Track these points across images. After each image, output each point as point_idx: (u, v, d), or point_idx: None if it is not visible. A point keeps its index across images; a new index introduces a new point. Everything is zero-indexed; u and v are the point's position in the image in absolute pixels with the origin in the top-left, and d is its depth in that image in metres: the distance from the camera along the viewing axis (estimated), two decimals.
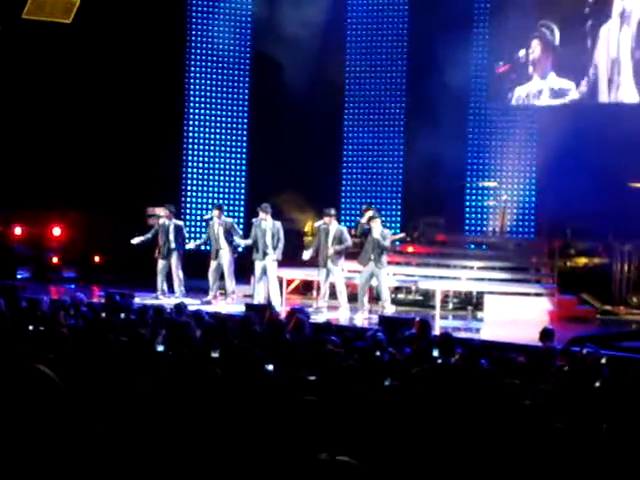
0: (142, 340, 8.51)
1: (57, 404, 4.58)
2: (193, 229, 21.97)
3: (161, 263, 17.02)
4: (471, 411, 5.47)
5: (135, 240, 17.13)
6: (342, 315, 15.63)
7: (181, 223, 17.54)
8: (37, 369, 4.76)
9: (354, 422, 5.23)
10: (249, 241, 16.62)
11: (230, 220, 17.39)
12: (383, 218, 17.71)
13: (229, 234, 16.78)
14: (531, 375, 7.87)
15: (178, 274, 17.00)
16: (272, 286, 16.27)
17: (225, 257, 16.74)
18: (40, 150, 20.64)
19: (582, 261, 18.96)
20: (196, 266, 17.72)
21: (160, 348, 8.92)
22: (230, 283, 16.80)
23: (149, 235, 17.19)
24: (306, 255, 16.31)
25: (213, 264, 16.80)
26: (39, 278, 19.32)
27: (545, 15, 20.60)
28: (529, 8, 20.60)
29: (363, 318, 15.38)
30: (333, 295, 16.20)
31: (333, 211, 16.35)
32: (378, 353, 8.86)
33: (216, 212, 17.01)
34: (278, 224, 16.43)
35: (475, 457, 4.76)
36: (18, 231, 20.35)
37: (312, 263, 16.63)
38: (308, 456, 4.15)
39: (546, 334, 10.59)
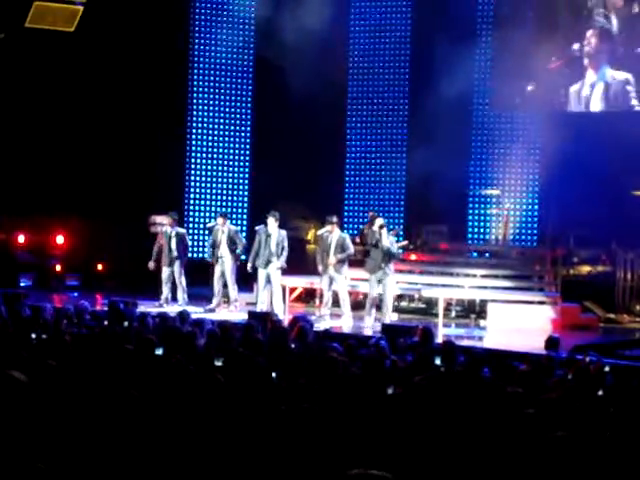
0: (146, 348, 8.51)
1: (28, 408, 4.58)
2: (196, 237, 21.98)
3: (165, 271, 17.01)
4: (474, 420, 5.46)
5: (151, 265, 17.08)
6: (345, 323, 15.61)
7: (183, 231, 17.53)
8: (9, 375, 4.76)
9: (357, 430, 5.22)
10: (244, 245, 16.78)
11: (234, 228, 17.41)
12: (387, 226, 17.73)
13: (232, 242, 16.79)
14: (534, 383, 7.85)
15: (181, 282, 17.00)
16: (275, 294, 16.25)
17: (227, 265, 16.74)
18: (43, 158, 20.65)
19: (585, 269, 18.94)
20: (199, 274, 17.71)
21: (159, 352, 8.91)
22: (233, 291, 16.81)
23: (155, 249, 17.15)
24: (319, 267, 16.29)
25: (217, 271, 16.80)
26: (42, 286, 19.31)
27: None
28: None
29: (371, 326, 15.32)
30: (336, 303, 16.18)
31: (335, 218, 16.34)
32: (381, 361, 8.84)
33: (220, 220, 17.02)
34: (284, 233, 16.43)
35: (478, 465, 4.75)
36: (21, 239, 20.35)
37: (315, 271, 16.62)
38: (313, 464, 4.15)
39: (551, 342, 10.57)
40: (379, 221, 16.06)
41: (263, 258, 16.29)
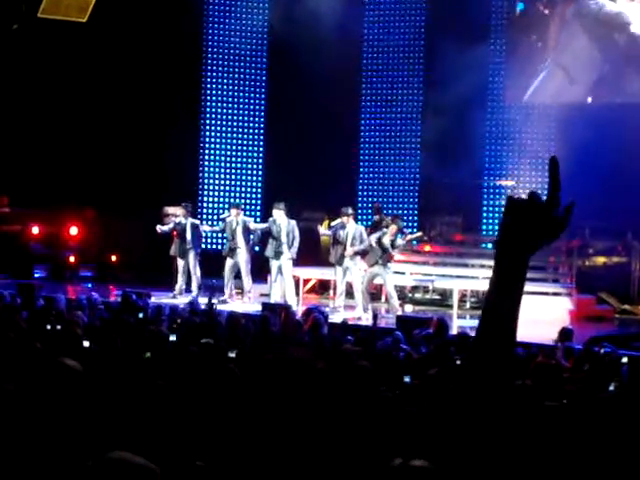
0: (160, 339, 8.48)
1: (82, 396, 4.55)
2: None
3: (181, 262, 17.00)
4: (490, 412, 5.40)
5: (159, 228, 17.14)
6: (359, 315, 15.53)
7: (197, 222, 17.51)
8: (62, 363, 4.73)
9: (374, 421, 5.17)
10: (264, 225, 16.72)
11: (249, 219, 17.38)
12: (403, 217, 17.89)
13: (247, 233, 16.76)
14: (550, 375, 7.78)
15: (196, 273, 17.00)
16: (288, 285, 16.22)
17: (242, 256, 16.71)
18: (57, 149, 20.65)
19: (600, 260, 18.84)
20: (212, 265, 17.68)
21: (173, 338, 8.88)
22: (247, 282, 16.78)
23: (166, 229, 17.24)
24: (333, 258, 16.26)
25: (229, 262, 16.77)
26: (56, 277, 19.34)
27: None
28: None
29: (367, 318, 15.22)
30: (350, 295, 16.13)
31: (351, 210, 16.28)
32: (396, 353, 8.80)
33: (234, 211, 16.98)
34: (293, 222, 16.37)
35: (496, 458, 4.69)
36: (35, 230, 20.36)
37: (328, 262, 16.58)
38: (328, 457, 4.10)
39: (565, 334, 10.53)
40: (398, 224, 16.03)
41: (272, 249, 16.26)
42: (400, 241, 15.87)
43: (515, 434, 4.85)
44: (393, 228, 15.85)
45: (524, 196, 2.57)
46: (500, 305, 2.50)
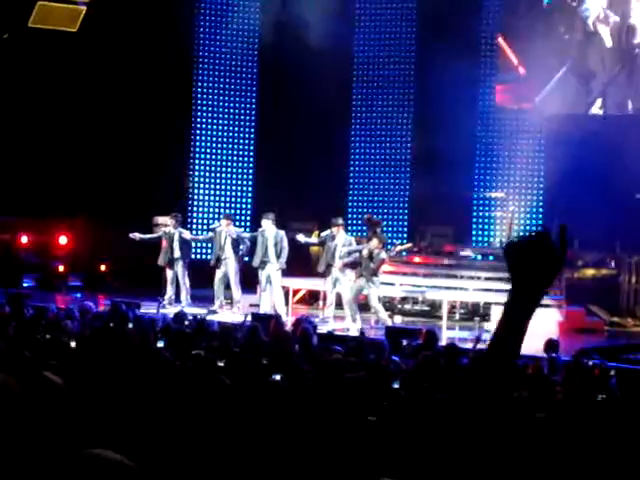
0: (149, 350, 8.46)
1: (63, 410, 4.53)
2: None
3: (170, 272, 16.99)
4: (482, 423, 5.40)
5: (136, 235, 17.11)
6: (348, 325, 15.50)
7: (186, 232, 17.47)
8: (44, 376, 4.71)
9: (362, 432, 5.17)
10: (251, 235, 16.72)
11: (239, 229, 17.36)
12: (390, 227, 17.74)
13: (237, 243, 16.73)
14: (540, 387, 7.80)
15: (185, 283, 16.97)
16: (276, 296, 16.18)
17: (231, 266, 16.69)
18: (47, 158, 20.60)
19: (590, 272, 18.84)
20: (202, 275, 17.65)
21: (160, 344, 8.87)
22: (236, 292, 16.75)
23: (154, 236, 17.22)
24: (320, 267, 16.22)
25: (219, 273, 16.75)
26: (45, 286, 19.26)
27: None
28: None
29: (357, 328, 15.16)
30: (339, 305, 16.11)
31: (341, 220, 16.29)
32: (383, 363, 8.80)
33: (225, 221, 16.98)
34: (282, 233, 16.34)
35: (487, 469, 4.69)
36: (24, 239, 20.32)
37: (318, 272, 16.57)
38: (319, 467, 4.10)
39: (550, 345, 10.52)
40: (380, 237, 15.87)
41: (257, 258, 16.25)
42: (383, 254, 15.66)
43: (510, 445, 4.85)
44: (374, 242, 15.71)
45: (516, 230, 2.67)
46: (508, 339, 2.61)
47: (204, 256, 21.18)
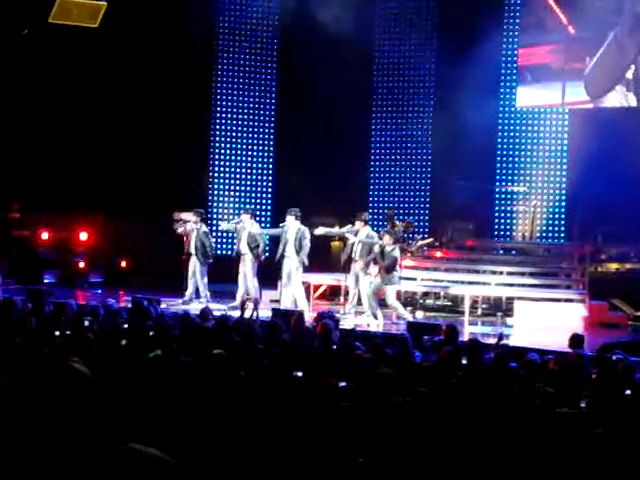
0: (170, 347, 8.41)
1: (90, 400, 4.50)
2: (219, 234, 21.87)
3: (190, 268, 16.94)
4: (506, 418, 5.33)
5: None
6: (366, 321, 15.39)
7: (207, 229, 17.36)
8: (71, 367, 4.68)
9: (385, 428, 5.09)
10: (274, 230, 16.71)
11: (257, 226, 17.26)
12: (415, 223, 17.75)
13: (253, 240, 16.67)
14: (563, 382, 7.71)
15: (203, 279, 16.89)
16: (296, 291, 16.06)
17: (247, 262, 16.64)
18: (67, 154, 20.62)
19: (613, 266, 18.67)
20: (222, 271, 17.61)
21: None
22: (252, 288, 16.64)
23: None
24: (342, 261, 16.13)
25: (241, 268, 16.72)
26: (65, 283, 19.28)
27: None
28: None
29: (377, 324, 15.09)
30: (361, 301, 16.01)
31: (365, 215, 16.09)
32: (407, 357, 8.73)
33: (245, 217, 16.93)
34: (304, 229, 16.21)
35: (511, 463, 4.62)
36: (45, 236, 20.33)
37: (339, 268, 16.48)
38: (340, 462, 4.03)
39: (576, 340, 10.41)
40: (391, 234, 15.75)
41: (278, 254, 16.17)
42: (396, 252, 15.53)
43: (536, 440, 4.78)
44: (385, 238, 15.60)
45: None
46: None
47: (224, 252, 21.17)
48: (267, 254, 17.34)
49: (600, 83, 20.11)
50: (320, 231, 16.58)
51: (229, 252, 19.66)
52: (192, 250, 16.90)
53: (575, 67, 20.49)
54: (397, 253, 15.50)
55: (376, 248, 15.38)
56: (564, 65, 20.62)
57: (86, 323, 10.69)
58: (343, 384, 6.96)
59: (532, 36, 21.10)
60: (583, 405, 6.75)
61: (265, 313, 14.61)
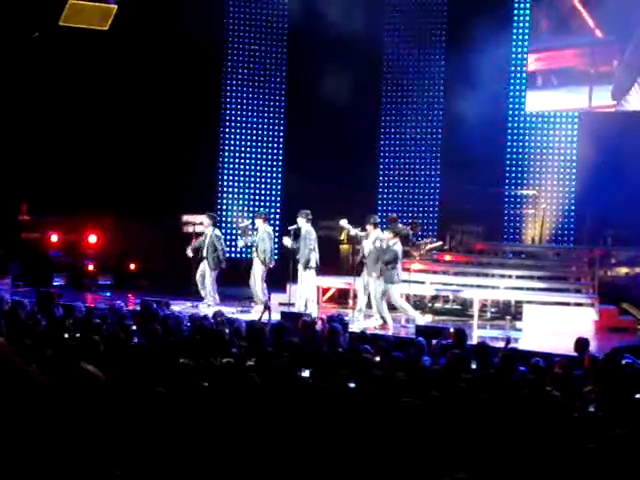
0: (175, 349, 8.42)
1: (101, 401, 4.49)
2: (228, 237, 21.87)
3: (199, 271, 16.93)
4: (517, 423, 5.31)
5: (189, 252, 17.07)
6: (375, 324, 15.35)
7: (219, 233, 17.33)
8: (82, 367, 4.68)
9: (393, 431, 5.09)
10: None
11: (269, 229, 17.21)
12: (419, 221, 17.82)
13: (264, 242, 16.67)
14: (573, 386, 7.70)
15: (212, 282, 16.88)
16: (304, 294, 16.02)
17: (257, 266, 16.65)
18: (77, 157, 20.67)
19: (623, 270, 18.63)
20: (232, 274, 17.62)
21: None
22: (259, 291, 16.62)
23: (196, 244, 17.13)
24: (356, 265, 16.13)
25: (252, 272, 16.75)
26: (75, 285, 19.30)
27: None
28: None
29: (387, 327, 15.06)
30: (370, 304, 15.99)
31: (374, 219, 15.93)
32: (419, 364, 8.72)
33: (259, 220, 16.94)
34: (309, 229, 16.14)
35: (523, 468, 4.60)
36: (54, 238, 20.37)
37: (348, 271, 16.47)
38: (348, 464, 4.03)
39: (580, 344, 10.39)
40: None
41: (298, 258, 16.12)
42: (397, 246, 15.42)
43: (546, 444, 4.76)
44: (386, 233, 15.51)
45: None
46: None
47: (234, 255, 21.18)
48: (276, 257, 17.32)
49: (622, 83, 20.02)
50: (343, 222, 16.48)
51: (237, 255, 19.69)
52: (204, 253, 16.89)
53: (602, 70, 20.36)
54: (398, 247, 15.41)
55: (377, 244, 15.33)
56: (591, 69, 20.50)
57: (95, 325, 10.70)
58: (352, 385, 6.96)
59: (558, 39, 20.95)
60: (592, 409, 6.73)
61: (275, 316, 14.65)
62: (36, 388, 3.07)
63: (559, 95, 20.80)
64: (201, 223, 17.53)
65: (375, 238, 15.59)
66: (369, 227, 15.78)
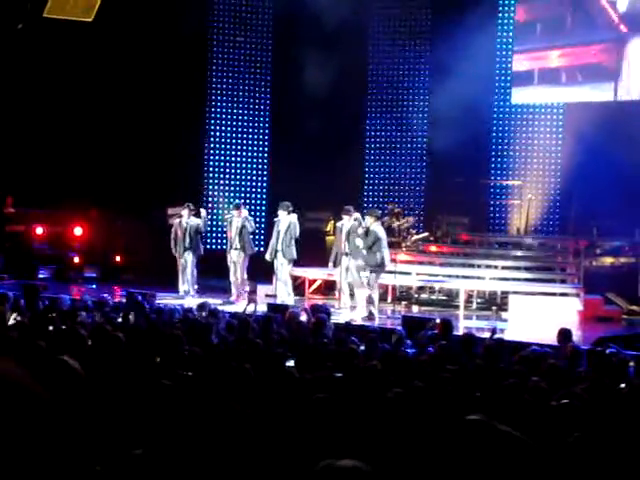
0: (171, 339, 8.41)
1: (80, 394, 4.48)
2: (214, 229, 21.84)
3: (181, 262, 16.94)
4: (498, 414, 5.32)
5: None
6: (360, 315, 15.36)
7: (199, 222, 17.29)
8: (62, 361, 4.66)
9: (377, 423, 5.09)
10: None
11: (249, 219, 17.20)
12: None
13: (246, 234, 16.65)
14: (558, 376, 7.72)
15: (193, 273, 16.90)
16: (280, 285, 16.08)
17: (239, 256, 16.62)
18: (62, 150, 20.61)
19: (608, 260, 18.68)
20: (214, 265, 17.64)
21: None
22: (241, 282, 16.62)
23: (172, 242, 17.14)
24: (331, 258, 16.15)
25: (231, 264, 16.72)
26: (60, 278, 19.25)
27: None
28: None
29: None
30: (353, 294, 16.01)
31: (347, 208, 16.00)
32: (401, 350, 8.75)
33: (236, 212, 16.90)
34: (293, 220, 16.16)
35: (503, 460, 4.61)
36: (39, 231, 20.30)
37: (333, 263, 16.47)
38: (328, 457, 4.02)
39: (563, 334, 10.42)
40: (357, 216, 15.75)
41: (271, 249, 16.19)
42: (379, 228, 15.45)
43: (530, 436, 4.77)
44: (367, 219, 15.53)
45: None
46: None
47: (218, 246, 21.17)
48: (257, 248, 17.32)
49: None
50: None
51: (218, 247, 19.71)
52: (187, 244, 16.90)
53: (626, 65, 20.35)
54: (379, 229, 15.43)
55: (359, 230, 15.34)
56: (615, 64, 20.48)
57: (80, 318, 10.68)
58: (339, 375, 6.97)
59: (583, 35, 20.90)
60: (576, 399, 6.75)
61: (261, 308, 14.65)
62: (40, 406, 3.07)
63: (587, 91, 20.70)
64: (180, 215, 17.48)
65: (352, 226, 15.61)
66: (346, 217, 15.80)
